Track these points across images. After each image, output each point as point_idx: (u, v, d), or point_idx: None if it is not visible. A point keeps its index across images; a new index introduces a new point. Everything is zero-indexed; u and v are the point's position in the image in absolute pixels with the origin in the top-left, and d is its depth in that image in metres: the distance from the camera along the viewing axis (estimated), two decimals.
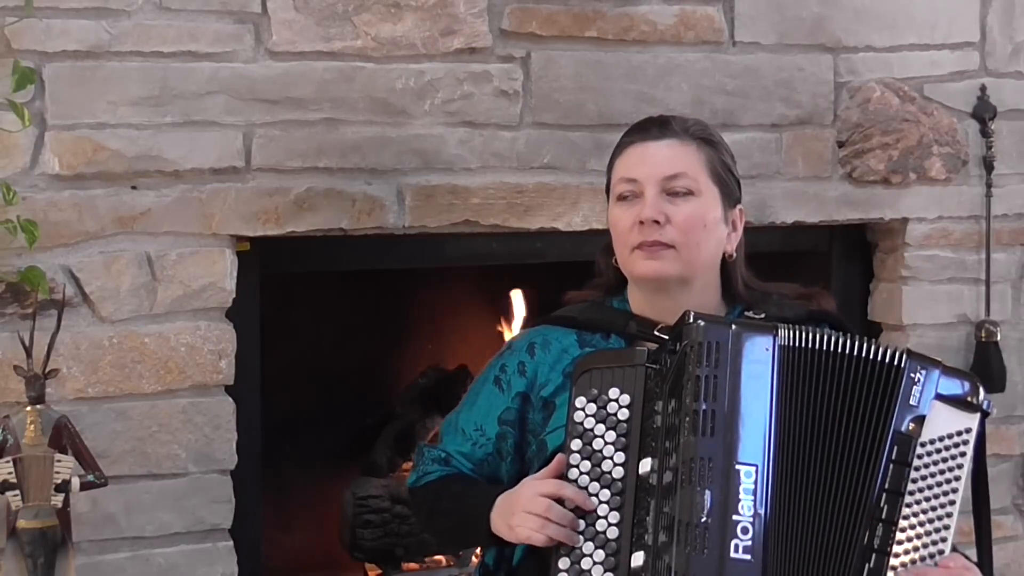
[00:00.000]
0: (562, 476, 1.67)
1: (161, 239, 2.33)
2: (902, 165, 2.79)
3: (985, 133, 2.85)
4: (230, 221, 2.37)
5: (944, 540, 1.60)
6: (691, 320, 1.63)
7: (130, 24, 2.30)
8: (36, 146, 2.26)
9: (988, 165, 2.85)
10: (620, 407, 1.68)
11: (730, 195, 1.87)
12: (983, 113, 2.84)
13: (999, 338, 2.85)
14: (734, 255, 1.88)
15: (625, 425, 1.67)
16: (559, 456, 1.68)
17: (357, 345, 3.09)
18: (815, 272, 2.78)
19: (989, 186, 2.85)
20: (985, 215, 2.86)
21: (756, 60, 2.69)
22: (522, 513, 1.66)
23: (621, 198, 1.84)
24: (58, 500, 2.07)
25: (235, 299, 2.39)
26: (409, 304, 3.14)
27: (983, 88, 2.85)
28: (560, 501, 1.65)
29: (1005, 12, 2.86)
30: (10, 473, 2.04)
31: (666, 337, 1.73)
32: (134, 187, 2.32)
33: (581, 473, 1.66)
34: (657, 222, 1.78)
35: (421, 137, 2.47)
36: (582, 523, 1.64)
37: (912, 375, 1.64)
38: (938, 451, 1.61)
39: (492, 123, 2.52)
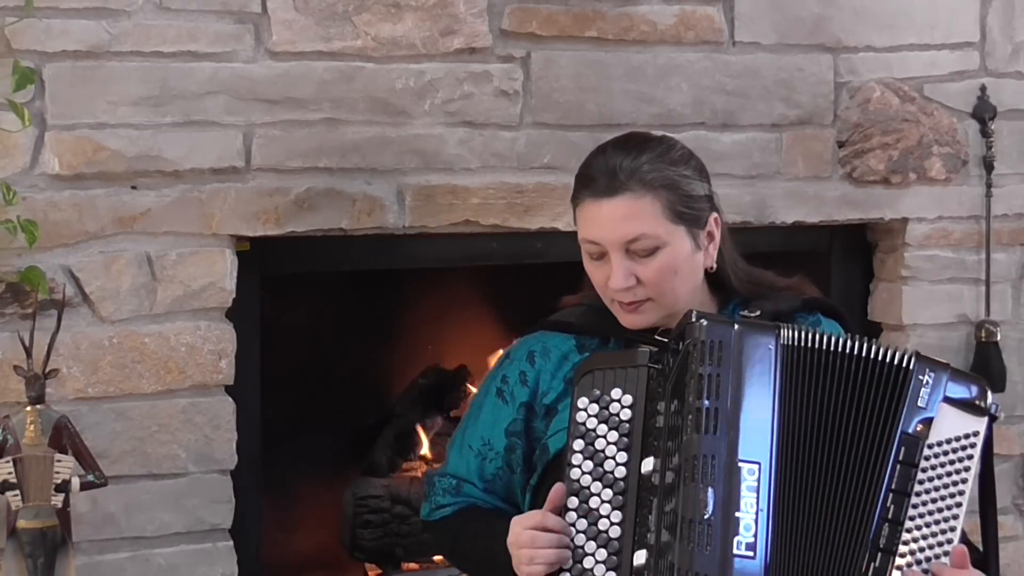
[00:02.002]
0: (561, 508, 1.66)
1: (161, 239, 2.33)
2: (902, 165, 2.79)
3: (985, 133, 2.85)
4: (230, 221, 2.37)
5: (950, 542, 1.59)
6: (694, 319, 1.63)
7: (130, 24, 2.30)
8: (36, 146, 2.26)
9: (988, 165, 2.85)
10: (622, 407, 1.68)
11: (697, 221, 1.80)
12: (983, 113, 2.84)
13: (999, 338, 2.85)
14: (714, 267, 1.84)
15: (627, 425, 1.66)
16: (557, 486, 1.67)
17: (357, 345, 3.09)
18: (815, 272, 2.78)
19: (989, 186, 2.86)
20: (985, 215, 2.86)
21: (756, 60, 2.69)
22: (516, 551, 1.67)
23: (588, 254, 1.81)
24: (58, 500, 2.07)
25: (235, 299, 2.39)
26: (409, 304, 3.13)
27: (983, 88, 2.85)
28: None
29: (1005, 12, 2.86)
30: (10, 473, 2.04)
31: (665, 340, 1.73)
32: (134, 187, 2.32)
33: (583, 473, 1.66)
34: (629, 287, 1.76)
35: (421, 137, 2.47)
36: (571, 534, 1.64)
37: (920, 377, 1.63)
38: (945, 453, 1.61)
39: (492, 123, 2.52)
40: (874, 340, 1.68)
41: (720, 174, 2.63)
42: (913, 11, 2.79)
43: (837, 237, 2.90)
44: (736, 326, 1.63)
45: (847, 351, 1.65)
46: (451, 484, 1.92)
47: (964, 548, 1.60)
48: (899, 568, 1.58)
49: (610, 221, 1.75)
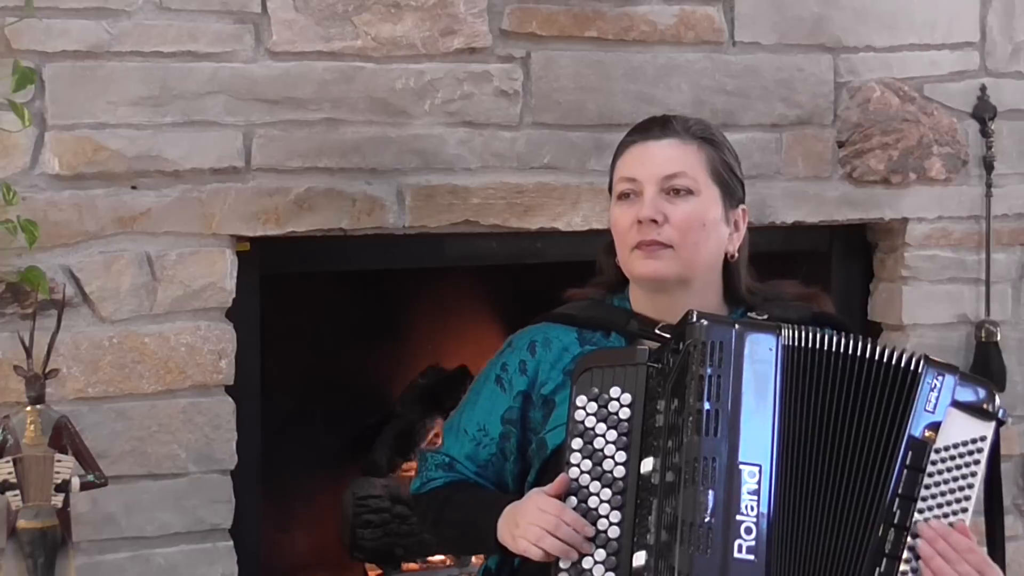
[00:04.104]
0: (565, 495, 1.66)
1: (161, 239, 2.34)
2: (902, 165, 2.79)
3: (985, 133, 2.85)
4: (230, 221, 2.37)
5: None
6: (694, 319, 1.62)
7: (130, 24, 2.30)
8: (36, 146, 2.26)
9: (988, 165, 2.85)
10: (621, 406, 1.67)
11: (732, 195, 1.85)
12: (983, 113, 2.84)
13: (999, 338, 2.85)
14: (736, 255, 1.87)
15: (626, 424, 1.66)
16: (562, 476, 1.66)
17: (357, 345, 3.09)
18: (815, 272, 2.78)
19: (989, 186, 2.86)
20: (985, 215, 2.86)
21: (756, 60, 2.69)
22: (528, 526, 1.66)
23: (621, 197, 1.83)
24: (58, 500, 2.07)
25: (235, 299, 2.39)
26: (409, 304, 3.13)
27: (983, 88, 2.85)
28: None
29: (1005, 12, 2.86)
30: (10, 473, 2.05)
31: (667, 336, 1.73)
32: (134, 187, 2.32)
33: (582, 472, 1.66)
34: (655, 221, 1.77)
35: (421, 137, 2.47)
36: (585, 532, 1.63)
37: (929, 381, 1.63)
38: (952, 458, 1.61)
39: (492, 123, 2.52)
40: (880, 342, 1.67)
41: None
42: (913, 11, 2.79)
43: (837, 237, 2.90)
44: (737, 326, 1.62)
45: (851, 352, 1.64)
46: (444, 460, 1.92)
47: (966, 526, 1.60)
48: (904, 574, 1.57)
49: (654, 157, 1.82)
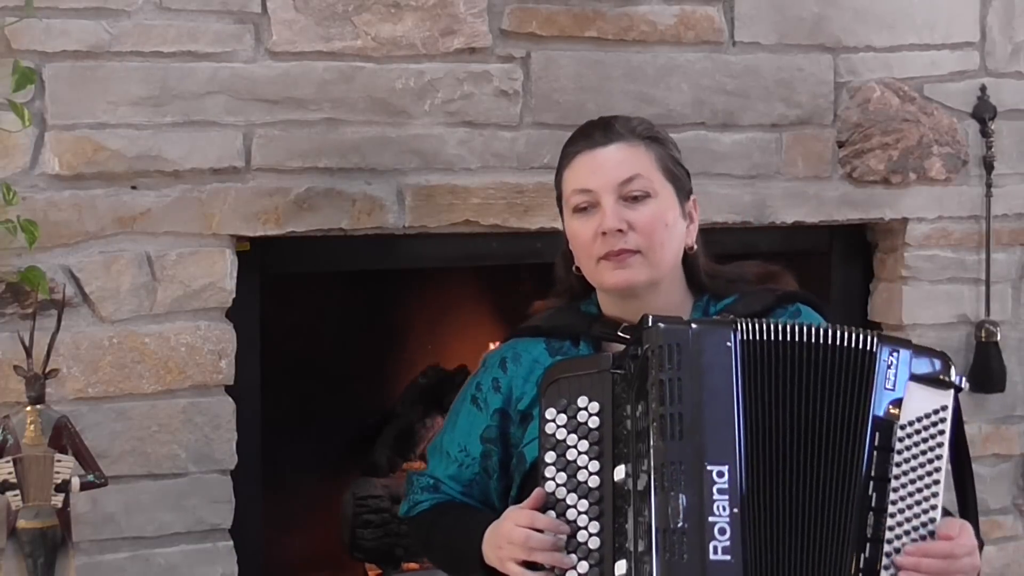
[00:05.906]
0: (543, 508, 1.65)
1: (161, 239, 2.34)
2: (902, 165, 2.79)
3: (985, 133, 2.85)
4: (230, 221, 2.37)
5: (933, 520, 1.60)
6: (649, 323, 1.61)
7: (130, 24, 2.30)
8: (36, 146, 2.26)
9: (988, 165, 2.85)
10: (590, 415, 1.65)
11: (683, 188, 1.84)
12: (983, 113, 2.84)
13: (999, 338, 2.85)
14: (695, 247, 1.86)
15: (597, 433, 1.64)
16: (537, 491, 1.66)
17: (357, 345, 3.09)
18: (815, 272, 2.78)
19: (989, 186, 2.85)
20: (985, 215, 2.86)
21: (756, 60, 2.69)
22: (508, 545, 1.66)
23: (578, 210, 1.81)
24: (58, 500, 2.07)
25: (235, 299, 2.39)
26: (409, 304, 3.13)
27: (983, 88, 2.85)
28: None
29: (1005, 12, 2.86)
30: (10, 473, 2.04)
31: (629, 337, 1.72)
32: (134, 187, 2.32)
33: (558, 485, 1.64)
34: (620, 231, 1.76)
35: (421, 137, 2.47)
36: (563, 540, 1.63)
37: (885, 358, 1.63)
38: (918, 432, 1.62)
39: (492, 123, 2.52)
40: (837, 325, 1.66)
41: (720, 174, 2.64)
42: (913, 11, 2.79)
43: (837, 237, 2.90)
44: (693, 326, 1.62)
45: (807, 340, 1.63)
46: (429, 482, 1.93)
47: (947, 524, 1.61)
48: (888, 555, 1.57)
49: (604, 164, 1.79)
